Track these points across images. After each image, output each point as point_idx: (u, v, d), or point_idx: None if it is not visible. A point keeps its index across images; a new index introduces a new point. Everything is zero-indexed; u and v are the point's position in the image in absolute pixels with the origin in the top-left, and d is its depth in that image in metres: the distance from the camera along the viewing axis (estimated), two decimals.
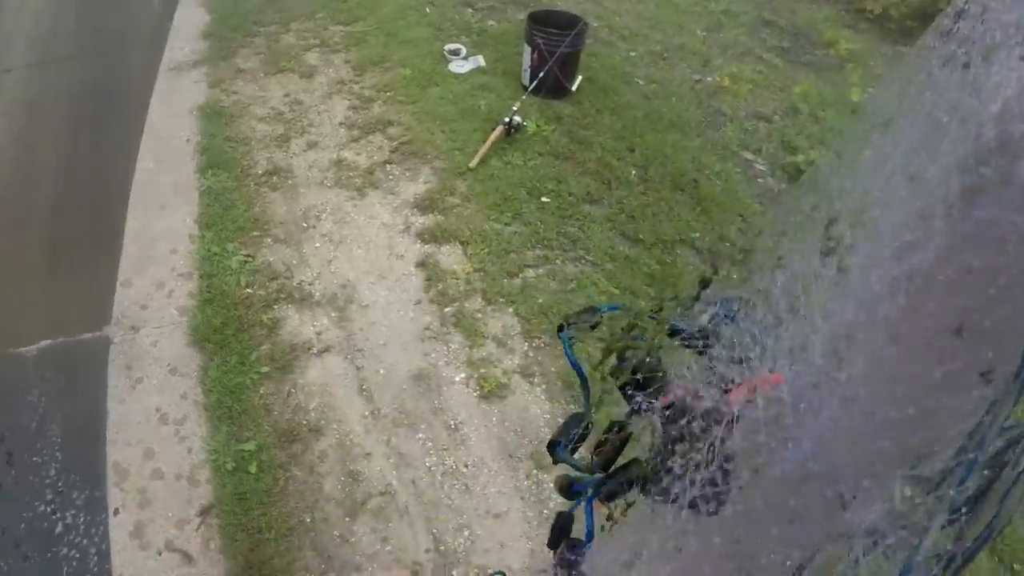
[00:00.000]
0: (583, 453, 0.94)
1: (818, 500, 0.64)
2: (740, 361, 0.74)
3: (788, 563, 0.68)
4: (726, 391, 0.72)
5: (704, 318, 0.76)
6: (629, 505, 0.79)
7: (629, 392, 0.81)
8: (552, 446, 0.88)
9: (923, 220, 0.53)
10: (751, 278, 0.78)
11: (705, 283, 0.80)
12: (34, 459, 3.65)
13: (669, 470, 0.70)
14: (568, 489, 0.88)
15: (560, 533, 0.86)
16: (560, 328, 0.86)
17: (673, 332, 0.83)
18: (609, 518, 0.83)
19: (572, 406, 3.97)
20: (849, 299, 0.60)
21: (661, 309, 0.86)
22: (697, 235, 5.10)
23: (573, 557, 0.79)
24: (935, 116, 0.58)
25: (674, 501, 0.68)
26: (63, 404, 3.89)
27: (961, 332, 0.52)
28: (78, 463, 3.64)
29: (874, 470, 0.60)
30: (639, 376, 0.80)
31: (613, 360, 0.86)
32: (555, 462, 0.88)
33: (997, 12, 0.57)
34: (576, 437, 0.87)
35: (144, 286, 4.43)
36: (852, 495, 0.62)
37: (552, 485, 3.62)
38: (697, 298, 0.82)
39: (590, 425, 0.86)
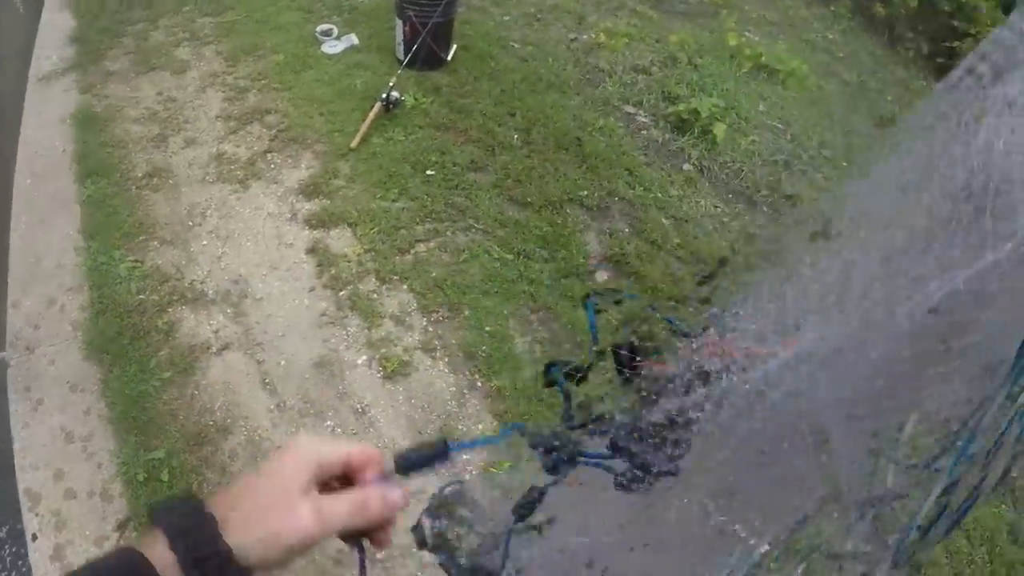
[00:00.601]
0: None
1: (796, 439, 0.71)
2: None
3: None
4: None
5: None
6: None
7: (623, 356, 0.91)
8: (549, 367, 0.99)
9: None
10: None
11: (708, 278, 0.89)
12: None
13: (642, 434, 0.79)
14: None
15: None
16: (587, 296, 0.96)
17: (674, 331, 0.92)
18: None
19: (475, 376, 4.10)
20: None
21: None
22: (585, 193, 5.25)
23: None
24: (933, 153, 0.69)
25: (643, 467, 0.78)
26: None
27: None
28: None
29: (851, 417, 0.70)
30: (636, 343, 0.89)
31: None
32: (546, 385, 1.00)
33: (992, 82, 0.67)
34: (571, 367, 0.98)
35: (34, 304, 4.37)
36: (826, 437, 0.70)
37: (465, 459, 3.77)
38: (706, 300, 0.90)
39: (590, 367, 0.97)
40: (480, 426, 3.92)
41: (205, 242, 4.70)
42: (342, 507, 0.79)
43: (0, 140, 5.47)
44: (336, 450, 0.81)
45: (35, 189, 5.10)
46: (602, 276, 4.78)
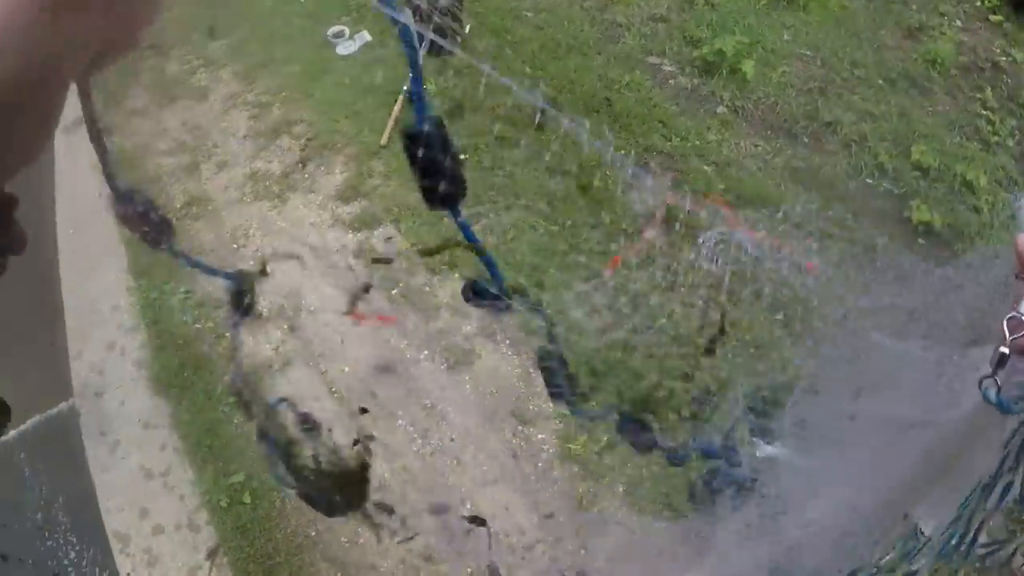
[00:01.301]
0: None
1: None
2: None
3: None
4: None
5: None
6: None
7: None
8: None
9: None
10: None
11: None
12: (48, 543, 3.64)
13: None
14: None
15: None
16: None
17: None
18: None
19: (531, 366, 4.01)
20: None
21: None
22: (622, 152, 5.11)
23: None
24: None
25: None
26: (53, 486, 3.87)
27: None
28: (87, 538, 3.65)
29: None
30: None
31: None
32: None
33: None
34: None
35: (96, 351, 4.40)
36: None
37: (540, 439, 3.69)
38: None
39: None
40: (550, 404, 3.81)
41: (252, 262, 4.67)
42: None
43: (36, 195, 5.51)
44: None
45: (79, 238, 5.13)
46: (651, 234, 4.64)
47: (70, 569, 3.55)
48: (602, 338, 4.05)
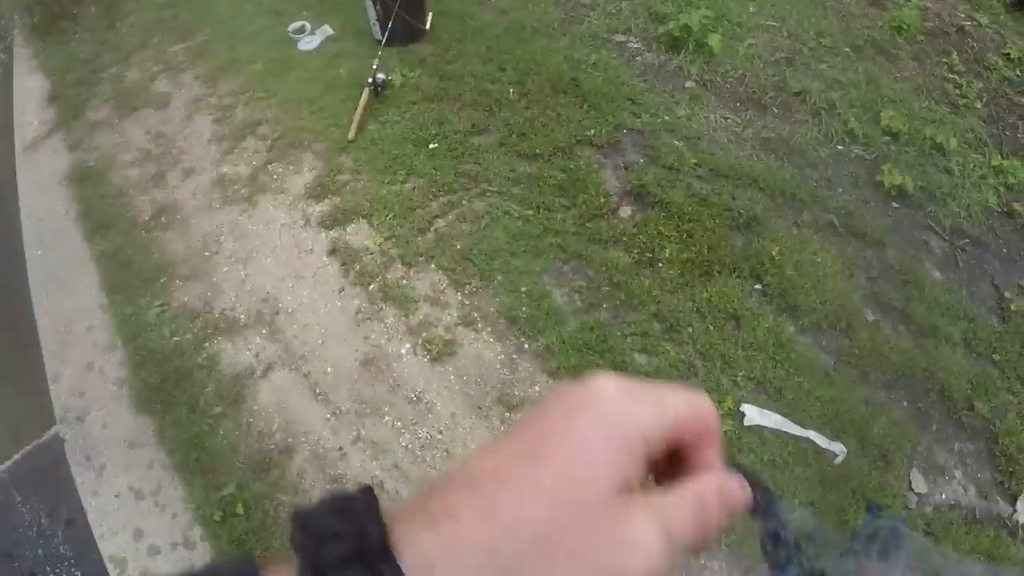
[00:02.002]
0: None
1: None
2: None
3: None
4: None
5: None
6: None
7: None
8: None
9: None
10: None
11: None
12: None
13: None
14: None
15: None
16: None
17: None
18: None
19: (522, 339, 3.98)
20: None
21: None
22: (592, 132, 5.07)
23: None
24: None
25: None
26: (52, 515, 3.81)
27: None
28: (89, 567, 3.59)
29: None
30: None
31: None
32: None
33: None
34: None
35: (74, 373, 4.32)
36: None
37: None
38: None
39: None
40: (536, 388, 3.80)
41: (226, 268, 4.60)
42: (685, 517, 0.45)
43: (1, 217, 5.41)
44: (662, 412, 0.47)
45: (48, 258, 5.03)
46: (626, 212, 4.60)
47: None
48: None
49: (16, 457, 4.05)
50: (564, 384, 0.48)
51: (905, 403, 3.82)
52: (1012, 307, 4.22)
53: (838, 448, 3.57)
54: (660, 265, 4.28)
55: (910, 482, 3.53)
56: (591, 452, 0.43)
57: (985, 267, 4.47)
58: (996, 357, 4.00)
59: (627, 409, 0.46)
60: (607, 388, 0.47)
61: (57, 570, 3.61)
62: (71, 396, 4.18)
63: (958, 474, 3.58)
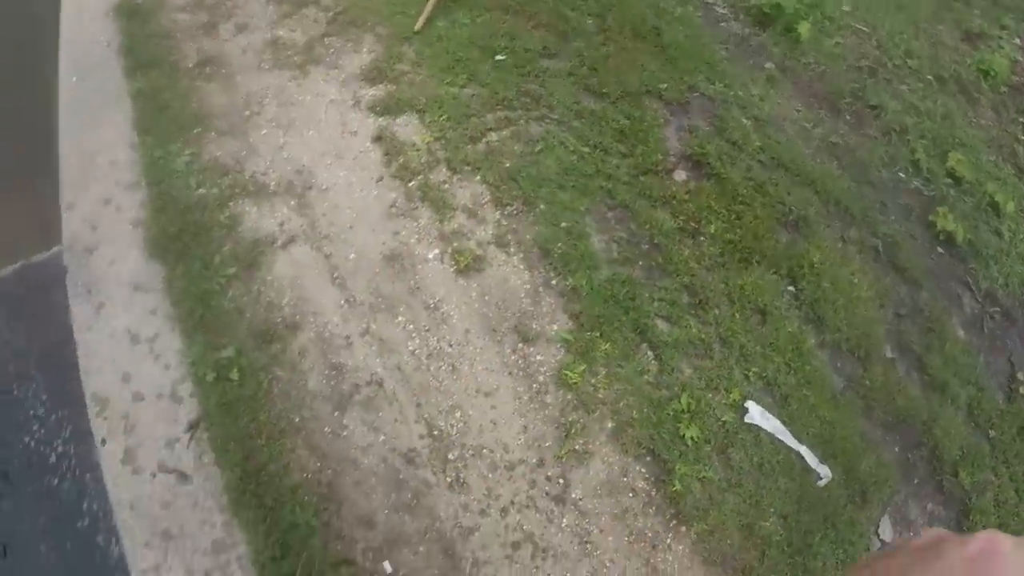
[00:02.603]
0: None
1: None
2: None
3: None
4: None
5: None
6: None
7: None
8: None
9: None
10: None
11: None
12: (15, 394, 3.49)
13: None
14: None
15: None
16: None
17: None
18: None
19: (551, 274, 3.85)
20: None
21: None
22: (664, 86, 4.89)
23: None
24: None
25: None
26: (32, 336, 3.70)
27: None
28: (58, 396, 3.50)
29: None
30: None
31: None
32: None
33: None
34: None
35: (90, 205, 4.17)
36: None
37: (539, 359, 3.55)
38: None
39: None
40: (555, 326, 3.67)
41: (265, 131, 4.43)
42: None
43: (38, 43, 5.18)
44: None
45: (82, 86, 4.82)
46: (681, 176, 4.43)
47: (35, 424, 3.40)
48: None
49: (9, 268, 3.93)
50: (948, 534, 0.55)
51: (897, 449, 3.73)
52: (1021, 390, 4.10)
53: (824, 471, 3.50)
54: (702, 239, 4.13)
55: (878, 527, 3.46)
56: None
57: (1007, 341, 4.31)
58: (992, 433, 3.91)
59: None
60: (1008, 546, 0.53)
61: (24, 387, 3.52)
62: (83, 226, 4.04)
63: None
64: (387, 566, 3.08)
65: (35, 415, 3.43)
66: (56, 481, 3.26)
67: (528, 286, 3.81)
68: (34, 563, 3.09)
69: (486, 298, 3.74)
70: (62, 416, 3.44)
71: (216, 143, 4.38)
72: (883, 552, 0.55)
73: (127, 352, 3.57)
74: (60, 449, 3.37)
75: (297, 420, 3.34)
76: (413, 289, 3.74)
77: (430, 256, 3.85)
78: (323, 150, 4.32)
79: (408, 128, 4.41)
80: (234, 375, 3.41)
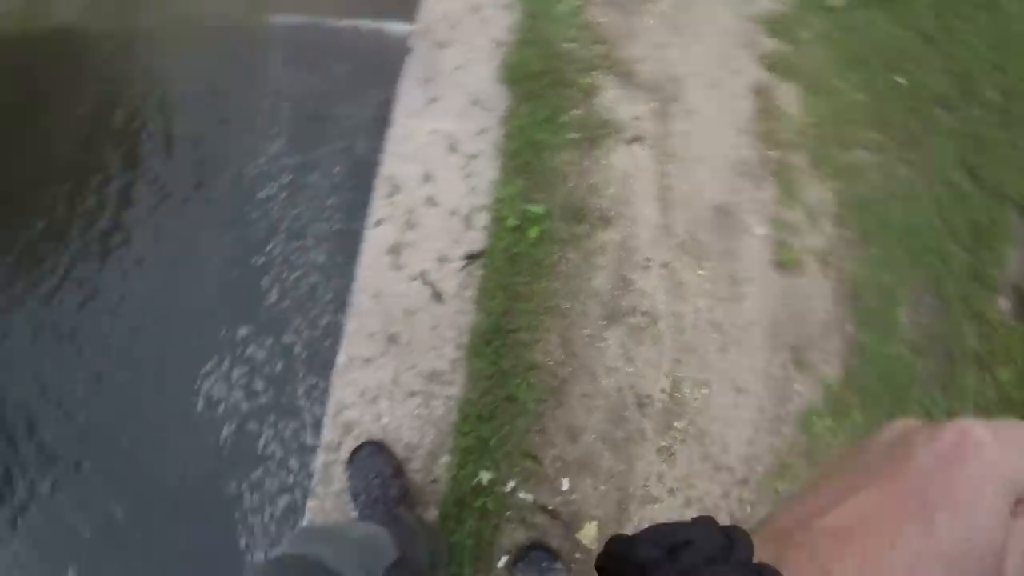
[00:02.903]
0: None
1: None
2: None
3: None
4: None
5: None
6: None
7: None
8: None
9: None
10: None
11: None
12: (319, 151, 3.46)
13: None
14: None
15: None
16: None
17: None
18: None
19: (846, 319, 3.50)
20: None
21: None
22: None
23: None
24: None
25: None
26: (353, 92, 3.64)
27: None
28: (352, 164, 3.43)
29: None
30: None
31: None
32: None
33: None
34: None
35: (456, 4, 4.05)
36: None
37: (796, 390, 3.24)
38: None
39: None
40: (827, 368, 3.33)
41: (651, 22, 4.18)
42: None
43: None
44: None
45: None
46: (1004, 305, 3.94)
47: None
48: None
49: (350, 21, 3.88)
50: (917, 425, 0.47)
51: None
52: None
53: None
54: (989, 379, 3.62)
55: None
56: (981, 515, 0.40)
57: None
58: None
59: (1010, 461, 0.42)
60: (983, 436, 0.44)
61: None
62: (442, 21, 3.96)
63: None
64: (566, 483, 2.92)
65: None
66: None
67: (825, 316, 3.48)
68: None
69: (784, 302, 3.45)
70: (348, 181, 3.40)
71: (602, 9, 4.16)
72: (846, 450, 0.49)
73: (441, 156, 3.46)
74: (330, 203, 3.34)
75: (566, 307, 3.16)
76: (727, 252, 3.47)
77: (757, 232, 3.57)
78: (701, 70, 4.04)
79: (789, 97, 4.08)
80: (533, 232, 3.25)
